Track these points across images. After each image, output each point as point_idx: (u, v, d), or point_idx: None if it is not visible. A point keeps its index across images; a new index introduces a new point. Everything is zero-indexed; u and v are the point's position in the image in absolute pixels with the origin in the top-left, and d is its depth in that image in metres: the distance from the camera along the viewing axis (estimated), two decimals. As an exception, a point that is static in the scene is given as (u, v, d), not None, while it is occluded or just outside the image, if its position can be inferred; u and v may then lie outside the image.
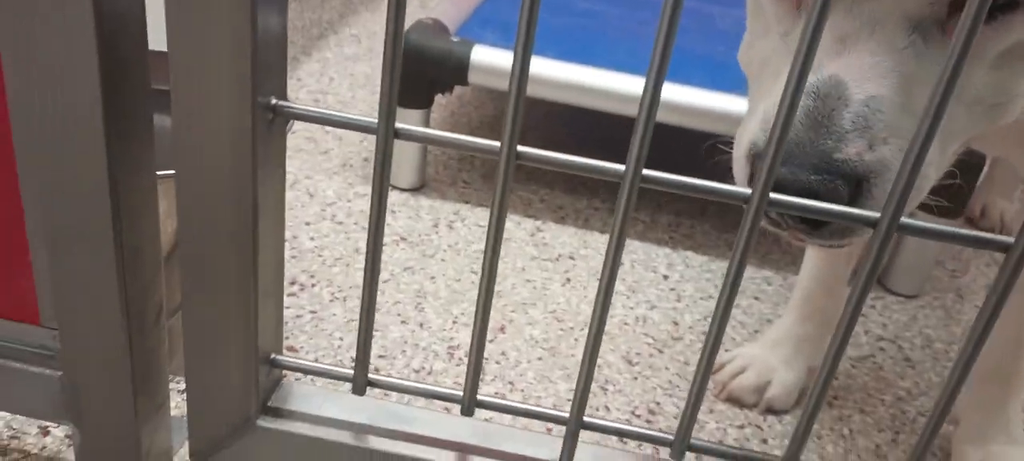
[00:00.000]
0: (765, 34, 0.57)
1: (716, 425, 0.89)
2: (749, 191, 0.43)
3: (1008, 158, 0.83)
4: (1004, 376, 0.82)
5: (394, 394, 0.83)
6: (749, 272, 1.16)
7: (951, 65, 0.38)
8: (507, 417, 0.86)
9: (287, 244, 1.09)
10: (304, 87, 1.54)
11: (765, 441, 0.87)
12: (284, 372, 0.54)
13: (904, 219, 0.42)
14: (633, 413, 0.88)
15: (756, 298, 1.12)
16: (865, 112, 0.49)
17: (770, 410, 0.91)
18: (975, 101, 0.52)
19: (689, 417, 0.48)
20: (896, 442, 0.90)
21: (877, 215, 0.42)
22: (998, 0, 0.48)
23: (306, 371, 0.51)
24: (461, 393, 0.49)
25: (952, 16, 0.49)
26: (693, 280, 1.13)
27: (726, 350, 0.97)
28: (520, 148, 0.44)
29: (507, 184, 0.45)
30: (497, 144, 0.44)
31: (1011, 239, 0.42)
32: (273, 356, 0.51)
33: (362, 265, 1.07)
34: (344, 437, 0.50)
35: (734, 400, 0.91)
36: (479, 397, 0.49)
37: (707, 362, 0.47)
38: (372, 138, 1.39)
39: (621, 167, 0.44)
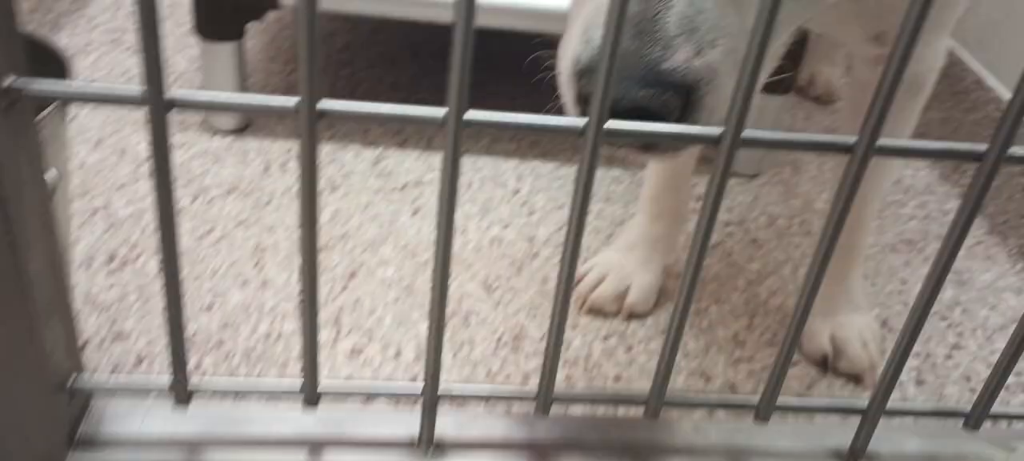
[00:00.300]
0: None
1: (581, 340, 0.87)
2: (582, 123, 0.39)
3: (835, 36, 0.84)
4: (845, 249, 0.85)
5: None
6: (597, 174, 1.14)
7: None
8: (367, 371, 0.82)
9: (100, 214, 0.98)
10: (97, 26, 1.37)
11: (630, 348, 0.87)
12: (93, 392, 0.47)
13: (746, 133, 0.39)
14: (498, 341, 0.86)
15: (607, 200, 1.11)
16: (689, 13, 0.46)
17: (632, 315, 0.90)
18: None
19: (549, 375, 0.45)
20: (752, 327, 0.92)
21: (719, 131, 0.40)
22: None
23: (111, 390, 0.44)
24: (300, 384, 0.44)
25: None
26: (544, 190, 1.11)
27: (583, 261, 0.95)
28: (323, 104, 0.38)
29: (314, 145, 0.39)
30: (293, 100, 0.38)
31: (852, 139, 0.40)
32: (70, 382, 0.43)
33: (191, 223, 0.98)
34: (172, 457, 0.44)
35: (596, 311, 0.91)
36: (323, 381, 0.44)
37: (565, 289, 0.43)
38: (194, 72, 1.26)
39: (441, 111, 0.39)
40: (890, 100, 0.39)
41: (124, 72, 1.27)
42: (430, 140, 1.18)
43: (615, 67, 0.43)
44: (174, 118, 1.17)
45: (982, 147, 0.41)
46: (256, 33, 1.41)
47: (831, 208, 0.42)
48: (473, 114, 0.39)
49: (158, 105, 0.36)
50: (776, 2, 0.35)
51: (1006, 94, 1.14)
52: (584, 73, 0.47)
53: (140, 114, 1.17)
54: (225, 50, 1.10)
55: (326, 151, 1.13)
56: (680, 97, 0.45)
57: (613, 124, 0.39)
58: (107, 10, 1.42)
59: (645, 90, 0.45)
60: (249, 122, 1.17)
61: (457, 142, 0.39)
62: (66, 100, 0.38)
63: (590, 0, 0.49)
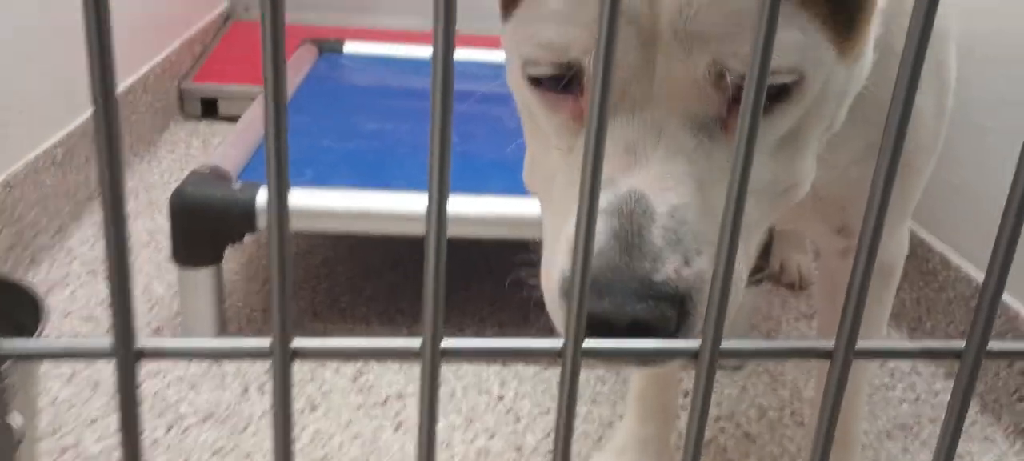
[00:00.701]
0: (546, 152, 0.54)
1: (575, 555, 0.83)
2: (560, 344, 0.38)
3: (803, 232, 0.86)
4: (841, 442, 0.83)
5: None
6: (582, 376, 1.13)
7: (741, 157, 0.35)
8: None
9: (69, 454, 0.94)
10: (75, 258, 1.38)
11: (627, 560, 0.83)
12: None
13: (725, 344, 0.39)
14: None
15: (594, 402, 1.09)
16: (672, 225, 0.46)
17: (627, 523, 0.86)
18: (764, 191, 0.52)
19: None
20: (753, 528, 0.88)
21: (696, 345, 0.39)
22: (770, 91, 0.48)
23: None
24: None
25: (731, 112, 0.48)
26: (529, 395, 1.09)
27: (572, 467, 0.92)
28: (298, 343, 0.37)
29: (287, 390, 0.38)
30: (267, 342, 0.37)
31: (831, 345, 0.40)
32: None
33: (166, 456, 0.94)
34: None
35: (589, 521, 0.87)
36: None
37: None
38: (165, 289, 1.26)
39: (416, 342, 0.38)
40: (862, 302, 0.39)
41: (101, 301, 1.26)
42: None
43: (606, 284, 0.44)
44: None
45: (960, 345, 0.41)
46: (233, 254, 1.42)
47: (820, 412, 0.41)
48: (450, 342, 0.38)
49: (127, 358, 0.36)
50: (741, 194, 0.36)
51: (972, 271, 1.16)
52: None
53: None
54: (203, 275, 1.10)
55: (305, 369, 1.12)
56: (675, 308, 0.45)
57: (591, 343, 0.39)
58: (86, 242, 1.43)
59: (641, 304, 0.44)
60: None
61: (434, 373, 0.38)
62: (32, 358, 0.37)
63: (571, 217, 0.50)
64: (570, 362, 0.38)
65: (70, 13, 1.49)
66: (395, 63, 1.91)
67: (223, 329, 1.16)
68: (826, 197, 0.71)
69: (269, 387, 1.07)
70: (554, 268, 0.49)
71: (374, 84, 1.79)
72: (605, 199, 0.46)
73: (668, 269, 0.45)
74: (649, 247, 0.45)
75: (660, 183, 0.47)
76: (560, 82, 0.49)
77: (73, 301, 1.25)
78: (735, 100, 0.47)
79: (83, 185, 1.54)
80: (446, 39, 0.31)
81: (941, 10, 0.71)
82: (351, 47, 1.93)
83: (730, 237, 0.37)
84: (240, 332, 1.20)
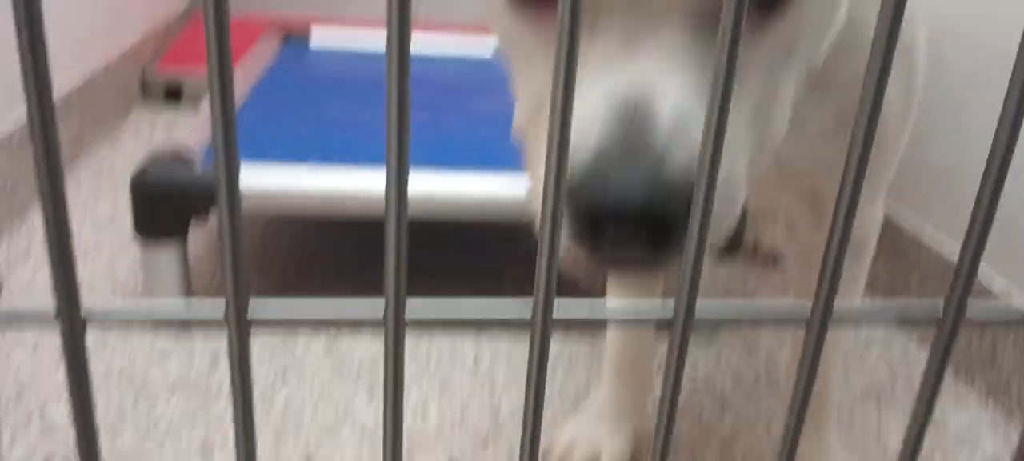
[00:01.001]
0: (534, 84, 0.50)
1: (550, 522, 0.83)
2: (529, 308, 0.37)
3: (772, 202, 0.85)
4: (816, 404, 0.83)
5: None
6: (555, 348, 1.12)
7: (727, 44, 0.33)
8: None
9: (34, 418, 0.92)
10: (38, 235, 1.35)
11: (602, 527, 0.82)
12: None
13: (700, 311, 0.38)
14: (461, 532, 0.80)
15: (569, 372, 1.08)
16: (677, 122, 0.42)
17: (603, 489, 0.86)
18: (756, 109, 0.48)
19: None
20: (728, 493, 0.88)
21: (669, 312, 0.38)
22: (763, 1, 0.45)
23: None
24: None
25: None
26: (504, 361, 1.08)
27: (551, 430, 0.92)
28: (253, 302, 0.36)
29: (246, 357, 0.36)
30: (220, 306, 0.36)
31: (807, 310, 0.39)
32: None
33: (133, 424, 0.92)
34: None
35: (566, 486, 0.86)
36: None
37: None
38: (128, 269, 1.23)
39: (380, 306, 0.37)
40: (838, 267, 0.38)
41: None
42: (385, 319, 1.16)
43: (610, 175, 0.40)
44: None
45: (938, 309, 0.40)
46: (200, 234, 1.39)
47: (796, 378, 0.41)
48: (414, 308, 0.37)
49: (73, 323, 0.34)
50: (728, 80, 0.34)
51: (945, 248, 1.16)
52: (582, 186, 0.42)
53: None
54: (167, 251, 1.07)
55: (276, 341, 1.10)
56: (686, 199, 0.41)
57: (561, 310, 0.38)
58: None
59: (654, 191, 0.40)
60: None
61: (399, 339, 0.37)
62: (-27, 325, 0.35)
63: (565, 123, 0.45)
64: (540, 329, 0.37)
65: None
66: (362, 53, 1.86)
67: (189, 295, 1.13)
68: (797, 170, 0.69)
69: (240, 356, 1.06)
70: (539, 185, 0.45)
71: (340, 73, 1.75)
72: (602, 90, 0.43)
73: (678, 161, 0.41)
74: (655, 142, 0.41)
75: (662, 74, 0.43)
76: None
77: (34, 279, 1.22)
78: None
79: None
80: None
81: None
82: (318, 34, 1.89)
83: (706, 195, 0.35)
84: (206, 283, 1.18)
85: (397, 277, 0.36)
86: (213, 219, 1.43)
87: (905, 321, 0.40)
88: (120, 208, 1.44)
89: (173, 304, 0.37)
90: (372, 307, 0.37)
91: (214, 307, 0.36)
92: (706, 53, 0.44)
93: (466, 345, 1.11)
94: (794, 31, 0.47)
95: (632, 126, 0.42)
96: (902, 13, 0.34)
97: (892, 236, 1.25)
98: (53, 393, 0.97)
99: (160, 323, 0.35)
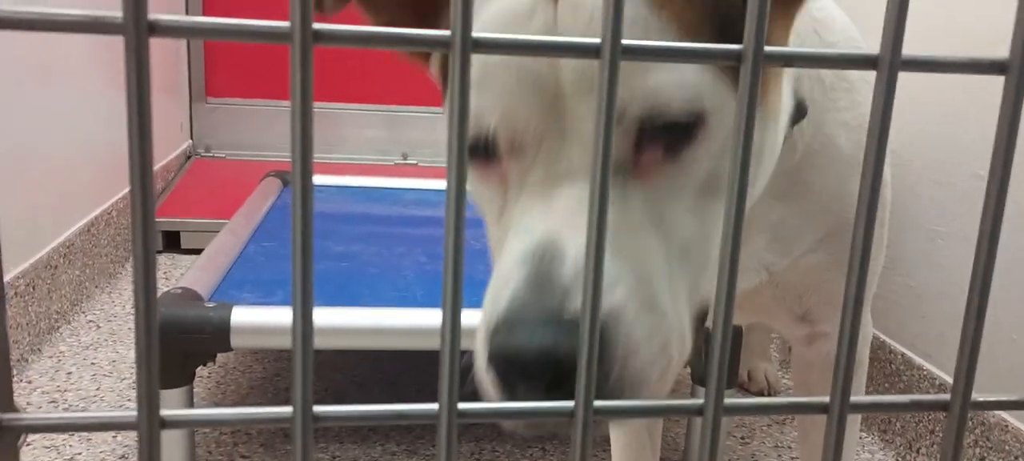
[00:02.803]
0: (489, 222, 0.55)
1: None
2: (436, 408, 0.37)
3: (764, 321, 0.89)
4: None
5: None
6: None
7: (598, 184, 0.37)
8: None
9: None
10: (36, 389, 1.34)
11: None
12: None
13: (728, 402, 0.41)
14: None
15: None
16: (581, 263, 0.45)
17: None
18: (689, 248, 0.50)
19: None
20: None
21: (570, 405, 0.38)
22: (674, 133, 0.47)
23: None
24: None
25: (640, 155, 0.48)
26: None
27: None
28: (318, 409, 0.38)
29: (309, 456, 0.38)
30: (288, 410, 0.38)
31: (826, 399, 0.42)
32: None
33: None
34: None
35: None
36: None
37: None
38: (129, 433, 1.22)
39: (434, 407, 0.39)
40: (852, 356, 0.41)
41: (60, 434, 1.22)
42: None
43: (517, 320, 0.41)
44: (115, 471, 1.12)
45: (946, 398, 0.43)
46: (206, 376, 1.40)
47: (820, 470, 0.43)
48: (322, 410, 0.38)
49: (153, 425, 0.36)
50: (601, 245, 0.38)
51: (933, 369, 1.20)
52: (498, 330, 0.44)
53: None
54: (176, 395, 1.08)
55: (278, 491, 1.08)
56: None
57: (467, 406, 0.38)
58: (45, 373, 1.40)
59: (550, 335, 0.42)
60: (195, 468, 1.13)
61: (307, 441, 0.38)
62: (53, 431, 0.37)
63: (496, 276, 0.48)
64: (446, 424, 0.38)
65: (33, 151, 1.51)
66: (356, 191, 1.96)
67: (193, 454, 1.13)
68: (783, 284, 0.74)
69: (241, 510, 1.04)
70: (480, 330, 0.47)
71: (338, 211, 1.82)
72: (520, 247, 0.46)
73: (578, 302, 0.44)
74: (559, 283, 0.44)
75: (571, 224, 0.46)
76: (483, 150, 0.50)
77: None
78: (642, 143, 0.47)
79: (44, 316, 1.51)
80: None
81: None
82: (315, 179, 1.97)
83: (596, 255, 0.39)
84: (209, 456, 1.17)
85: (305, 381, 0.37)
86: (220, 361, 1.44)
87: (916, 408, 0.43)
88: (121, 355, 1.44)
89: (242, 410, 0.39)
90: (281, 412, 0.38)
91: (281, 411, 0.38)
92: (620, 200, 0.47)
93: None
94: (713, 163, 0.49)
95: (542, 272, 0.45)
96: (884, 153, 0.38)
97: (883, 361, 1.29)
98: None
99: (226, 426, 0.37)
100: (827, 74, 0.67)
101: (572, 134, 0.48)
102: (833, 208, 0.70)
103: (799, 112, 0.62)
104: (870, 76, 0.71)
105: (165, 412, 0.37)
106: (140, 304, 0.34)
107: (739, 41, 0.33)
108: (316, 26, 0.32)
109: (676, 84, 0.46)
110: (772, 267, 0.72)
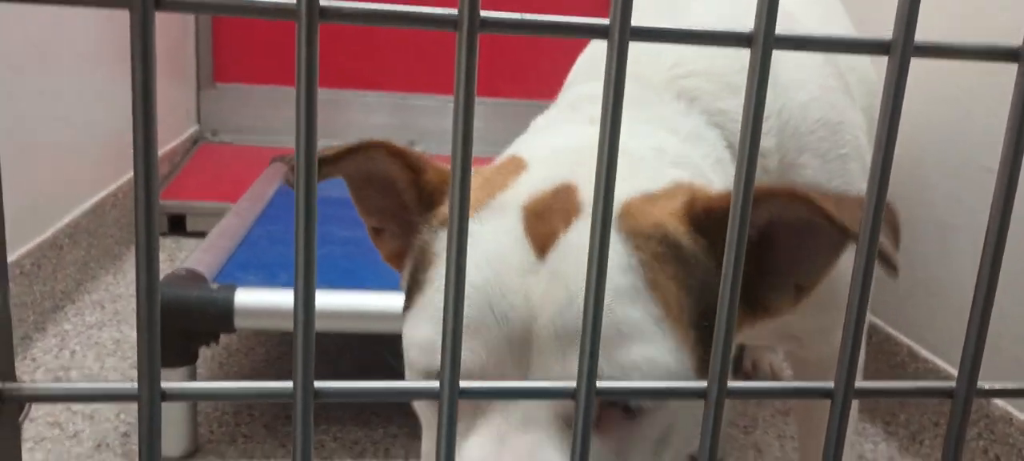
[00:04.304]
0: (428, 437, 0.57)
1: None
2: (437, 387, 0.38)
3: (771, 344, 0.89)
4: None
5: None
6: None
7: None
8: None
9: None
10: (40, 367, 1.35)
11: None
12: None
13: (732, 384, 0.41)
14: None
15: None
16: None
17: None
18: None
19: None
20: None
21: (571, 386, 0.40)
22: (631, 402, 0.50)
23: None
24: None
25: (603, 411, 0.50)
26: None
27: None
28: (319, 384, 0.38)
29: (308, 433, 0.38)
30: (289, 385, 0.38)
31: (830, 385, 0.42)
32: None
33: None
34: None
35: None
36: None
37: None
38: (132, 408, 1.23)
39: (436, 385, 0.39)
40: (858, 342, 0.41)
41: (65, 408, 1.23)
42: (388, 448, 1.15)
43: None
44: (118, 447, 1.12)
45: (952, 384, 0.43)
46: (209, 358, 1.40)
47: (824, 450, 0.43)
48: (322, 385, 0.38)
49: (154, 396, 0.36)
50: None
51: (941, 362, 1.20)
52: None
53: (82, 447, 1.11)
54: (179, 374, 1.08)
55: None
56: None
57: (467, 384, 0.39)
58: (49, 351, 1.40)
59: None
60: (197, 447, 1.13)
61: (307, 415, 0.38)
62: (56, 400, 0.37)
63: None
64: (447, 402, 0.38)
65: (40, 132, 1.51)
66: None
67: (195, 433, 1.13)
68: (769, 335, 0.75)
69: (243, 490, 1.04)
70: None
71: (343, 196, 1.82)
72: None
73: None
74: None
75: None
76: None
77: (36, 408, 1.21)
78: (606, 403, 0.50)
79: (49, 296, 1.51)
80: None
81: (847, 181, 0.75)
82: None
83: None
84: (211, 435, 1.17)
85: (306, 357, 0.37)
86: (223, 341, 1.45)
87: (921, 394, 0.43)
88: (125, 335, 1.45)
89: (243, 383, 0.39)
90: (281, 386, 0.38)
91: (281, 385, 0.38)
92: (567, 449, 0.49)
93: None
94: (669, 420, 0.51)
95: None
96: (882, 211, 0.38)
97: (889, 353, 1.29)
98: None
99: (226, 399, 0.37)
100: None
101: (542, 366, 0.49)
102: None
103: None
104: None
105: (166, 385, 0.37)
106: (142, 272, 0.34)
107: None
108: (322, 2, 0.32)
109: (649, 366, 0.48)
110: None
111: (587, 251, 0.43)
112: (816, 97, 0.69)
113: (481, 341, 0.48)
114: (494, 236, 0.50)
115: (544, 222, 0.50)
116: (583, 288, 0.43)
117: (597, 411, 0.49)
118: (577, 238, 0.50)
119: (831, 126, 0.69)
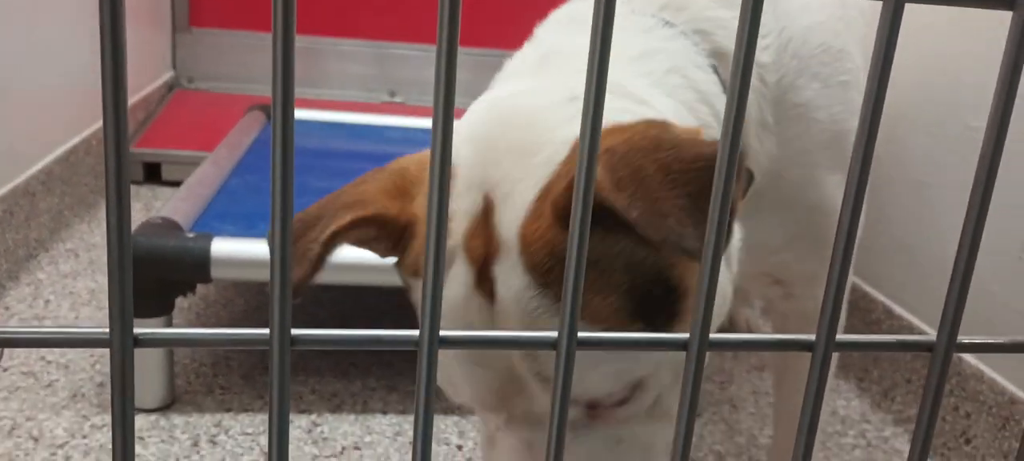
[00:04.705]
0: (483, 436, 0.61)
1: None
2: (416, 335, 0.38)
3: (749, 288, 0.89)
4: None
5: None
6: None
7: None
8: None
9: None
10: (14, 315, 1.33)
11: None
12: None
13: (714, 336, 0.40)
14: None
15: None
16: None
17: None
18: (645, 449, 0.56)
19: None
20: None
21: (553, 335, 0.40)
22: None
23: None
24: None
25: (592, 408, 0.54)
26: (487, 445, 1.08)
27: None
28: (296, 332, 0.37)
29: (285, 379, 0.37)
30: (266, 332, 0.37)
31: (812, 337, 0.42)
32: None
33: (107, 511, 0.89)
34: None
35: None
36: None
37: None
38: (108, 358, 1.22)
39: (415, 333, 0.38)
40: (840, 296, 0.41)
41: (40, 358, 1.21)
42: (366, 401, 1.15)
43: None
44: (93, 398, 1.11)
45: (932, 338, 0.43)
46: (186, 308, 1.39)
47: (804, 403, 0.43)
48: (299, 332, 0.38)
49: (126, 341, 0.35)
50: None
51: (915, 320, 1.21)
52: None
53: (57, 397, 1.10)
54: (151, 327, 1.07)
55: (258, 421, 1.09)
56: None
57: (448, 333, 0.38)
58: (23, 300, 1.38)
59: None
60: (174, 398, 1.12)
61: (284, 361, 0.37)
62: (26, 345, 0.36)
63: None
64: (426, 354, 0.38)
65: (11, 78, 1.47)
66: (340, 127, 1.94)
67: (172, 383, 1.12)
68: (756, 273, 0.75)
69: (220, 438, 1.04)
70: None
71: (320, 147, 1.80)
72: None
73: None
74: None
75: None
76: None
77: (10, 358, 1.20)
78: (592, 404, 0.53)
79: (22, 244, 1.49)
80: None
81: (848, 109, 0.76)
82: (298, 114, 1.94)
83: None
84: (188, 386, 1.16)
85: (283, 305, 0.36)
86: (199, 292, 1.43)
87: (901, 348, 0.43)
88: (100, 284, 1.43)
89: (217, 330, 0.38)
90: (258, 333, 0.38)
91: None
92: (583, 432, 0.54)
93: (448, 426, 1.11)
94: (657, 392, 0.54)
95: None
96: (872, 151, 0.38)
97: (864, 310, 1.30)
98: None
99: (199, 345, 0.36)
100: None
101: (535, 401, 0.53)
102: (793, 206, 0.71)
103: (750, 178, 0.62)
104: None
105: (139, 331, 0.36)
106: (112, 208, 0.33)
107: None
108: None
109: (615, 374, 0.51)
110: (745, 262, 0.71)
111: (514, 290, 0.49)
112: (820, 22, 0.69)
113: (477, 390, 0.53)
114: (451, 291, 0.52)
115: (482, 264, 0.51)
116: (536, 315, 0.49)
117: (587, 411, 0.53)
118: (504, 278, 0.50)
119: (833, 52, 0.69)
